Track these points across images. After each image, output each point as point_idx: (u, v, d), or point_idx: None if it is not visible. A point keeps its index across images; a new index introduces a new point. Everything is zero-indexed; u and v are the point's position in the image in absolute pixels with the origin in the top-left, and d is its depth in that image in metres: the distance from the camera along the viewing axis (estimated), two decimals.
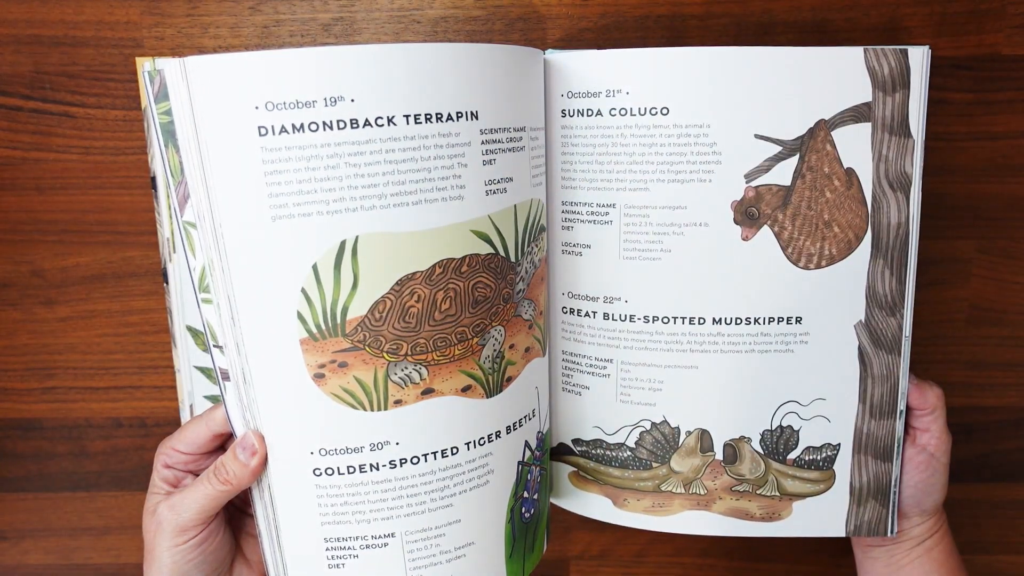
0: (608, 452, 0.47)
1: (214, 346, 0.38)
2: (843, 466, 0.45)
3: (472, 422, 0.41)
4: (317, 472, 0.39)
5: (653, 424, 0.46)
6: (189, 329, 0.49)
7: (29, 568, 0.59)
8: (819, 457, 0.45)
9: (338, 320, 0.37)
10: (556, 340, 0.47)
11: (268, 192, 0.35)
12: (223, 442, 0.40)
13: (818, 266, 0.43)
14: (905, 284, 0.43)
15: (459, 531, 0.42)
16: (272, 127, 0.34)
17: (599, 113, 0.42)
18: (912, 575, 0.47)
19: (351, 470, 0.39)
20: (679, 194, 0.42)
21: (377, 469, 0.39)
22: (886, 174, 0.42)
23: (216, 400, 0.50)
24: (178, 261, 0.48)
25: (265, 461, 0.38)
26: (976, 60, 0.49)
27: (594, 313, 0.45)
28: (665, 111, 0.41)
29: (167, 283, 0.48)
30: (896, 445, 0.45)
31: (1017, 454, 0.57)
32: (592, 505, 0.48)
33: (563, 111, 0.43)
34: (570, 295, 0.46)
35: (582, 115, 0.42)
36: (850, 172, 0.42)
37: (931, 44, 0.47)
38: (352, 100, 0.34)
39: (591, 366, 0.46)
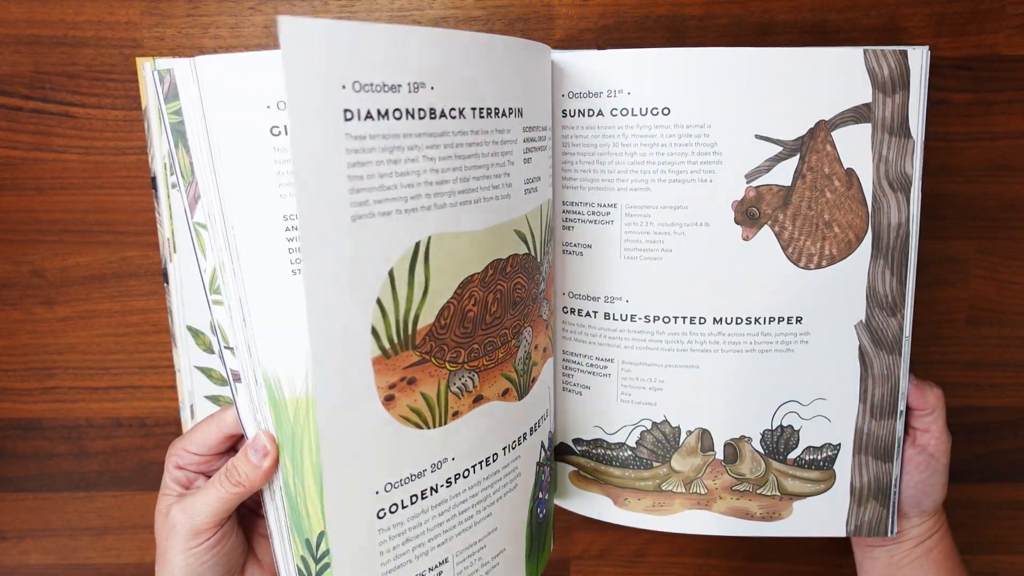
0: (609, 452, 0.47)
1: (225, 347, 0.37)
2: (843, 466, 0.45)
3: (509, 426, 0.40)
4: (381, 514, 0.35)
5: (654, 424, 0.46)
6: (189, 329, 0.49)
7: (29, 568, 0.59)
8: (819, 457, 0.45)
9: (409, 331, 0.34)
10: (557, 340, 0.47)
11: (350, 187, 0.30)
12: (234, 443, 0.40)
13: (818, 266, 0.43)
14: (905, 284, 0.43)
15: (495, 540, 0.41)
16: (358, 111, 0.30)
17: (600, 113, 0.42)
18: (912, 575, 0.47)
19: (414, 499, 0.36)
20: (680, 194, 0.42)
21: (436, 491, 0.37)
22: (886, 174, 0.42)
23: (216, 400, 0.50)
24: (178, 261, 0.48)
25: (277, 462, 0.37)
26: (976, 60, 0.49)
27: (595, 313, 0.45)
28: (666, 111, 0.41)
29: (167, 283, 0.48)
30: (896, 445, 0.45)
31: (1017, 454, 0.57)
32: (593, 505, 0.48)
33: (564, 111, 0.43)
34: (571, 295, 0.46)
35: (583, 115, 0.42)
36: (850, 172, 0.42)
37: (931, 44, 0.47)
38: (432, 88, 0.32)
39: (592, 366, 0.46)
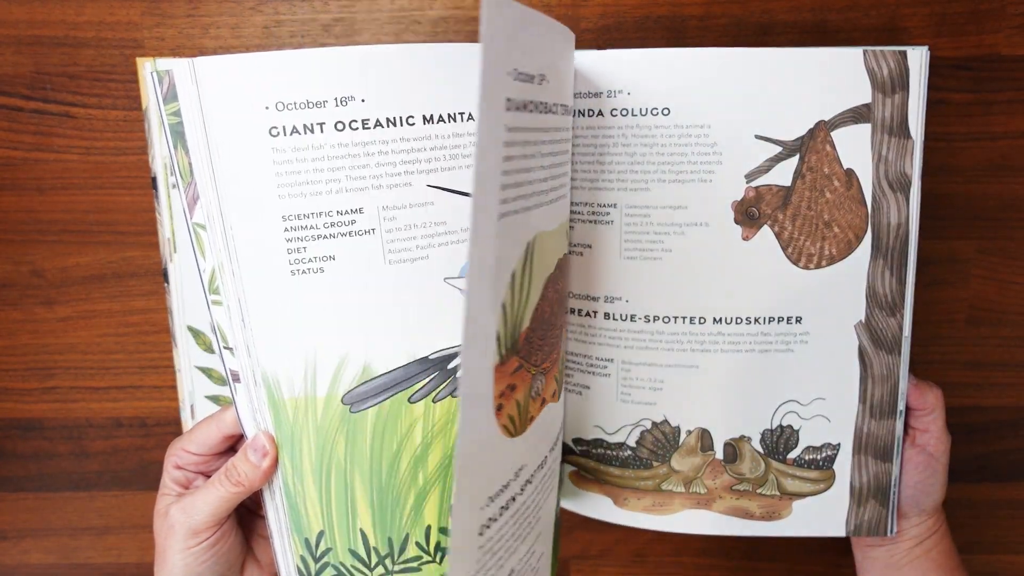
0: (609, 451, 0.47)
1: (224, 348, 0.37)
2: (843, 466, 0.45)
3: (554, 428, 0.40)
4: (482, 531, 0.31)
5: (654, 423, 0.46)
6: (190, 329, 0.49)
7: (29, 568, 0.59)
8: (819, 457, 0.45)
9: (516, 335, 0.31)
10: None
11: (502, 182, 0.27)
12: (234, 443, 0.40)
13: (818, 266, 0.43)
14: (905, 284, 0.43)
15: (539, 544, 0.39)
16: (514, 101, 0.27)
17: (600, 113, 0.42)
18: (912, 575, 0.47)
19: (502, 511, 0.33)
20: (680, 194, 0.42)
21: (514, 500, 0.34)
22: (886, 175, 0.42)
23: (216, 400, 0.50)
24: (178, 261, 0.48)
25: (276, 462, 0.37)
26: (976, 60, 0.49)
27: (595, 313, 0.45)
28: (666, 111, 0.41)
29: (167, 283, 0.48)
30: (896, 445, 0.45)
31: (1017, 454, 0.57)
32: (593, 505, 0.48)
33: None
34: (571, 295, 0.46)
35: (583, 115, 0.42)
36: (850, 173, 0.42)
37: (931, 44, 0.47)
38: (548, 82, 0.30)
39: (592, 366, 0.46)
